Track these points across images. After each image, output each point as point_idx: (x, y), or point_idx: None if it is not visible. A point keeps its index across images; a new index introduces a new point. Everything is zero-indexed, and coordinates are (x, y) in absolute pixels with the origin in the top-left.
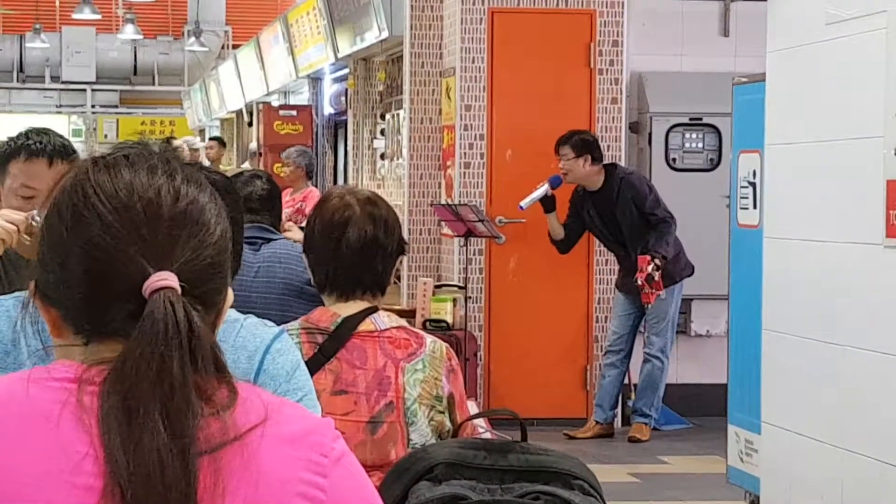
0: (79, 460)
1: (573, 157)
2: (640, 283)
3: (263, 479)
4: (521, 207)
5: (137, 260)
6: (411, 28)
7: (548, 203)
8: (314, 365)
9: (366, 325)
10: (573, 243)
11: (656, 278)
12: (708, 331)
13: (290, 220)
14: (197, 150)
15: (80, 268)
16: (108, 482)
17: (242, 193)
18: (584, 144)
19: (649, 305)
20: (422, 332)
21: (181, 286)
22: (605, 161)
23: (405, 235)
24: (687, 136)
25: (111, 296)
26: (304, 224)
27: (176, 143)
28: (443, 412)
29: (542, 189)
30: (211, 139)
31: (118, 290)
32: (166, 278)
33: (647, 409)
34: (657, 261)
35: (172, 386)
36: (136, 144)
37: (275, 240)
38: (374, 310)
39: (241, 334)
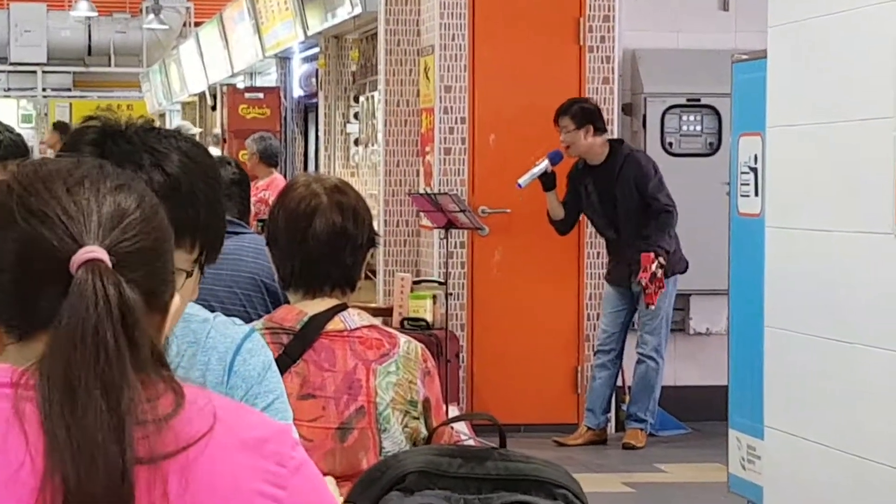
0: (17, 468)
1: (574, 128)
2: (644, 283)
3: (215, 492)
4: (519, 185)
5: (64, 239)
6: (386, 3)
7: (547, 181)
8: (279, 367)
9: (334, 324)
10: (573, 223)
11: (659, 276)
12: (707, 329)
13: (253, 210)
14: (193, 136)
15: (8, 258)
16: (49, 466)
17: None
18: (585, 114)
19: (651, 307)
20: (395, 332)
21: (113, 264)
22: (610, 137)
23: (380, 227)
24: (684, 118)
25: (39, 280)
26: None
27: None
28: (417, 418)
29: (542, 165)
30: (54, 125)
31: (46, 272)
32: (93, 250)
33: (642, 414)
34: (661, 259)
35: (108, 358)
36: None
37: (243, 233)
38: (343, 307)
39: (212, 334)
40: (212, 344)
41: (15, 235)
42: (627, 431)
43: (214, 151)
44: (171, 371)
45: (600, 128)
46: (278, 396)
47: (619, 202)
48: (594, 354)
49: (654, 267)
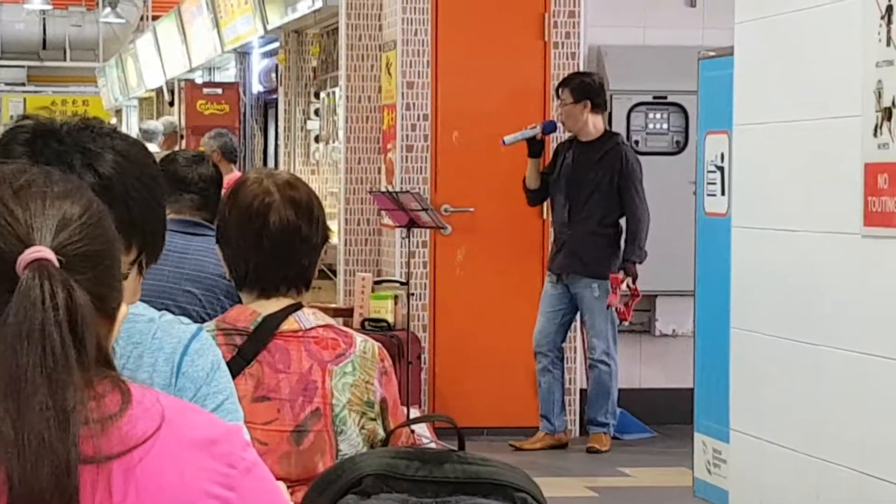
0: None
1: (572, 101)
2: (616, 307)
3: (162, 493)
4: (503, 142)
5: (10, 240)
6: None
7: (534, 147)
8: (233, 369)
9: (289, 324)
10: (546, 197)
11: (632, 287)
12: (674, 330)
13: None
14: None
15: None
16: None
17: (187, 177)
18: (586, 88)
19: (626, 322)
20: (351, 331)
21: (60, 264)
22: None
23: (341, 226)
24: (650, 115)
25: None
26: None
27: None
28: (375, 419)
29: (532, 131)
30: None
31: None
32: (40, 250)
33: (602, 418)
34: (630, 277)
35: (54, 356)
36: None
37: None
38: (297, 307)
39: (158, 335)
40: (158, 345)
41: None
42: (591, 435)
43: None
44: (117, 371)
45: (599, 104)
46: (228, 397)
47: (588, 184)
48: (534, 358)
49: (623, 286)
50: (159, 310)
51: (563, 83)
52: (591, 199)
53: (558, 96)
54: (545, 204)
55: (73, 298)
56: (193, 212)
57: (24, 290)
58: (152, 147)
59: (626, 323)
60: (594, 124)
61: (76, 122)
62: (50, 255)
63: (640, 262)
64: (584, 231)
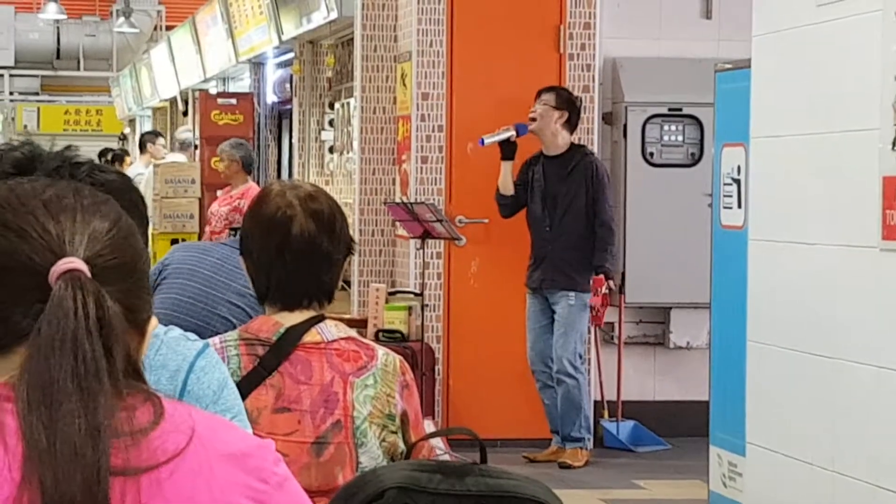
0: None
1: (552, 105)
2: (597, 309)
3: None
4: (481, 142)
5: (42, 252)
6: (363, 8)
7: (508, 149)
8: (254, 379)
9: (311, 336)
10: (520, 207)
11: (606, 293)
12: (688, 343)
13: (226, 219)
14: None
15: None
16: (26, 471)
17: None
18: (568, 101)
19: (600, 327)
20: (373, 344)
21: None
22: (580, 144)
23: (355, 236)
24: (665, 128)
25: (16, 293)
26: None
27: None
28: (395, 432)
29: (508, 132)
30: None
31: (23, 285)
32: (73, 261)
33: (576, 433)
34: (611, 282)
35: (86, 366)
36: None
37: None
38: (320, 319)
39: (162, 351)
40: (161, 362)
41: None
42: (566, 451)
43: (179, 158)
44: (148, 384)
45: (573, 122)
46: (236, 415)
47: (561, 199)
48: (533, 376)
49: (604, 289)
50: (200, 319)
51: (549, 89)
52: (568, 212)
53: (538, 97)
54: None
55: (105, 309)
56: None
57: (57, 301)
58: (180, 157)
59: (600, 328)
60: (562, 139)
61: (53, 156)
62: (82, 266)
63: (612, 270)
64: (566, 245)
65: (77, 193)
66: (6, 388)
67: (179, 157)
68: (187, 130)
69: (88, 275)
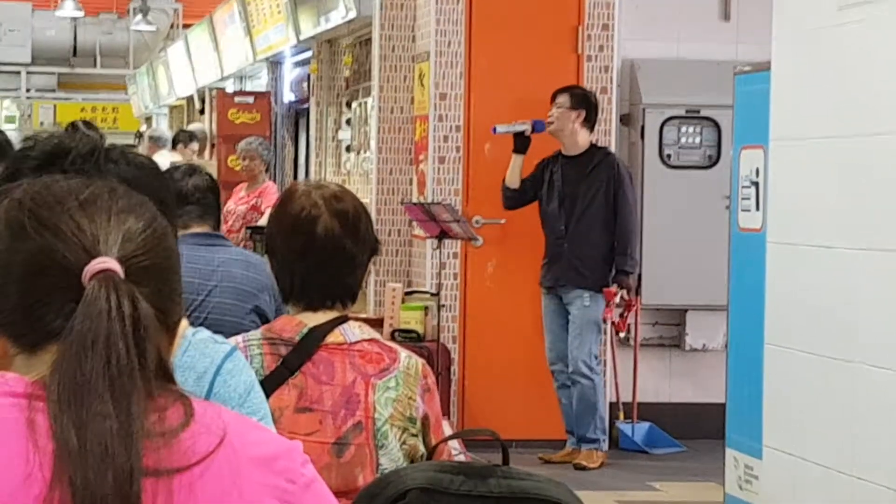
0: (25, 478)
1: (567, 107)
2: (613, 321)
3: None
4: (493, 130)
5: (77, 251)
6: (381, 7)
7: (521, 143)
8: (277, 379)
9: (334, 337)
10: (523, 203)
11: (627, 299)
12: (704, 345)
13: (244, 218)
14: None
15: (19, 270)
16: (57, 470)
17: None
18: (583, 99)
19: (622, 334)
20: (396, 347)
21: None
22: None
23: None
24: (683, 129)
25: (50, 292)
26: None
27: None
28: (416, 435)
29: (524, 125)
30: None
31: (57, 284)
32: (107, 261)
33: (591, 434)
34: (624, 289)
35: (119, 366)
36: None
37: (225, 245)
38: (343, 319)
39: (190, 353)
40: (189, 363)
41: (26, 248)
42: (582, 452)
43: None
44: (178, 385)
45: (591, 120)
46: (262, 418)
47: (580, 199)
48: (552, 375)
49: (617, 300)
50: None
51: (563, 90)
52: (587, 211)
53: (553, 100)
54: None
55: (138, 309)
56: (201, 223)
57: (90, 300)
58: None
59: (622, 335)
60: (581, 137)
61: (87, 149)
62: (116, 266)
63: (633, 272)
64: (583, 243)
65: (112, 193)
66: (37, 386)
67: (175, 157)
68: (197, 124)
69: (122, 275)
